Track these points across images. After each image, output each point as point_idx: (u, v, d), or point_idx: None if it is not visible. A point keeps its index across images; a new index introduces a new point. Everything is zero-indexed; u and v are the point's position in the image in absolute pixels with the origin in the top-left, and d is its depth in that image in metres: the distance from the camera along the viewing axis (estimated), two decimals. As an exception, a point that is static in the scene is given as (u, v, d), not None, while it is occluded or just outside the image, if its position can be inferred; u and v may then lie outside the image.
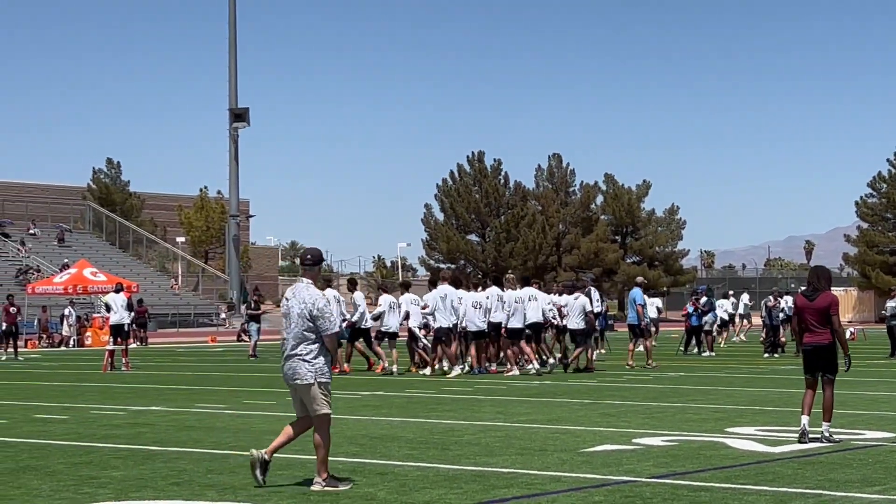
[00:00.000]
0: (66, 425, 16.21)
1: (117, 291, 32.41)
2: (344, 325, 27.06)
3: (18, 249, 77.60)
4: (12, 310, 40.57)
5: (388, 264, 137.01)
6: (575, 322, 27.65)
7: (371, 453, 12.77)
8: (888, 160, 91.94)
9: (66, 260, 71.33)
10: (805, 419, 13.34)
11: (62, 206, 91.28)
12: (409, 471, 11.39)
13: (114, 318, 31.26)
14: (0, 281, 70.49)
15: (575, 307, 27.74)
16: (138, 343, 48.88)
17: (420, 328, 28.22)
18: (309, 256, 11.03)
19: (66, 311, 53.13)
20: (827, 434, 13.30)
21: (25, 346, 51.40)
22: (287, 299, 10.89)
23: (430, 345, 27.91)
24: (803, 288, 13.94)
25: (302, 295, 10.70)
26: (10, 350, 40.03)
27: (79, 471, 11.64)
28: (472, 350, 26.96)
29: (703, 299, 35.78)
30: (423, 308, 27.84)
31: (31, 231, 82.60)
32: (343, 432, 14.83)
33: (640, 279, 32.20)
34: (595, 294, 28.40)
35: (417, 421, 16.22)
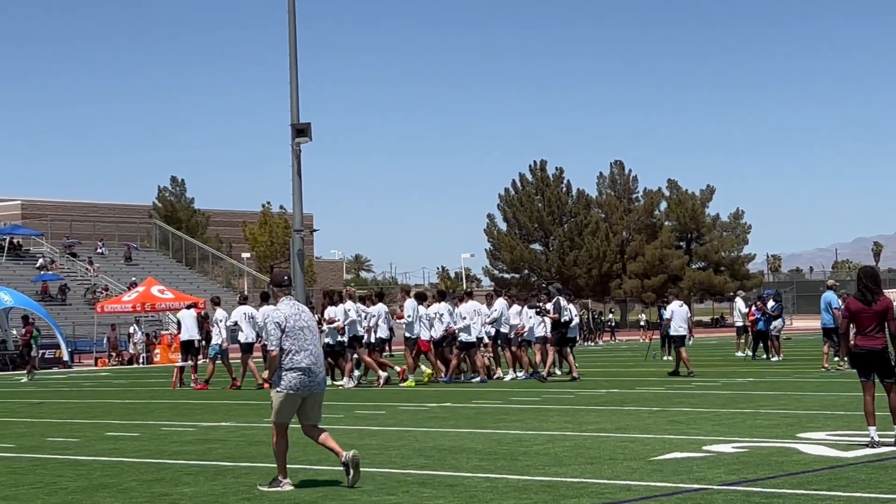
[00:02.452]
0: (138, 442, 16.36)
1: (188, 308, 32.76)
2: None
3: (87, 269, 78.51)
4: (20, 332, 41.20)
5: (453, 275, 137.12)
6: (678, 328, 28.84)
7: (440, 465, 12.77)
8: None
9: (133, 278, 71.99)
10: (873, 430, 13.15)
11: (129, 224, 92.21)
12: (479, 482, 11.38)
13: (184, 335, 31.60)
14: (69, 300, 71.43)
15: (679, 314, 28.98)
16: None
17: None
18: (286, 277, 11.95)
19: (132, 329, 53.69)
20: (900, 438, 13.11)
21: (96, 365, 52.00)
22: (289, 316, 11.42)
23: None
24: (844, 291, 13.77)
25: (307, 312, 11.69)
26: (30, 370, 40.12)
27: (151, 488, 11.74)
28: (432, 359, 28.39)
29: (771, 303, 35.46)
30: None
31: (99, 250, 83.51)
32: (411, 444, 14.85)
33: (831, 282, 31.65)
34: (563, 302, 27.93)
35: (485, 432, 16.21)
